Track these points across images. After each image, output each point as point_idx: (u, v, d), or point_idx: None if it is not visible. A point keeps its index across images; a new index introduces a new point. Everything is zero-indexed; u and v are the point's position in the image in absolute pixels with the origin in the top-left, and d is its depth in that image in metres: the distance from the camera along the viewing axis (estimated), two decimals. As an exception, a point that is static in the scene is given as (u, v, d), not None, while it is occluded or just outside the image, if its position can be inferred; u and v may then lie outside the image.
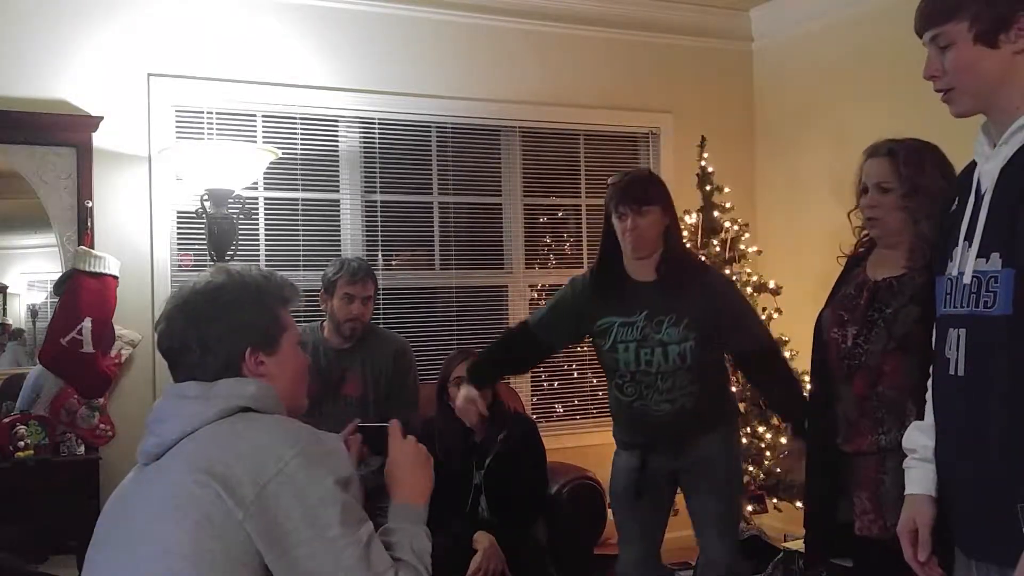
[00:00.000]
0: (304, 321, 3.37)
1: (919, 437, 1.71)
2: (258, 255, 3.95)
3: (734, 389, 2.80)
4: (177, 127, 3.80)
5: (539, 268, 4.54)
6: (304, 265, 4.00)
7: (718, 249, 4.11)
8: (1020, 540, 1.37)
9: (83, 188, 3.55)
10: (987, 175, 1.52)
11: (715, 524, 2.81)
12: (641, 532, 2.86)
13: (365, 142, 4.18)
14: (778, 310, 4.02)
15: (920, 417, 1.79)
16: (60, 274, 3.51)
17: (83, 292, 3.43)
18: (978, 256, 1.49)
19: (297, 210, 4.04)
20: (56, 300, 3.51)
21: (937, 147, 2.16)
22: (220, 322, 1.45)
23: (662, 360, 2.63)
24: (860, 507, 2.20)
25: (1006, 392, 1.44)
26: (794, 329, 3.68)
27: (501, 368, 3.05)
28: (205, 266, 3.67)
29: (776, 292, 4.06)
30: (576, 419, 4.56)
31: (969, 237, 1.53)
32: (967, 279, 1.51)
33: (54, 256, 3.61)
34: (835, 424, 2.23)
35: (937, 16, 1.54)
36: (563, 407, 4.56)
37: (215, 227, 3.51)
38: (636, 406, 2.71)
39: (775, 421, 4.13)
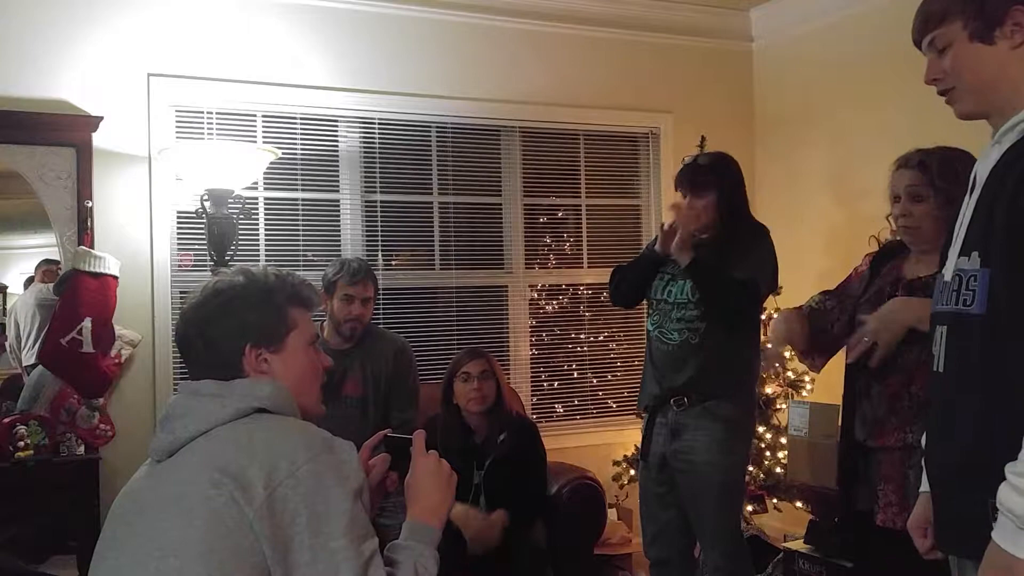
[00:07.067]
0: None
1: None
2: (258, 255, 3.94)
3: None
4: (177, 127, 3.80)
5: (539, 268, 4.54)
6: (304, 265, 3.99)
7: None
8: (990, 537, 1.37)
9: (83, 188, 3.55)
10: (980, 175, 1.55)
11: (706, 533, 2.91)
12: (657, 506, 2.98)
13: (365, 142, 4.18)
14: (777, 309, 4.01)
15: None
16: (60, 274, 3.51)
17: (83, 292, 3.43)
18: (960, 254, 1.52)
19: (297, 210, 4.04)
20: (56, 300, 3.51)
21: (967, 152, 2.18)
22: (222, 318, 1.48)
23: (679, 292, 2.92)
24: (884, 499, 2.22)
25: (976, 390, 1.46)
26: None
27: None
28: (205, 266, 3.68)
29: (776, 292, 4.05)
30: (576, 419, 4.56)
31: (959, 235, 1.56)
32: (948, 277, 1.54)
33: (54, 256, 3.61)
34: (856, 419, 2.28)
35: (931, 22, 1.58)
36: (563, 407, 4.56)
37: (215, 227, 3.51)
38: (655, 336, 3.00)
39: (775, 421, 4.13)
